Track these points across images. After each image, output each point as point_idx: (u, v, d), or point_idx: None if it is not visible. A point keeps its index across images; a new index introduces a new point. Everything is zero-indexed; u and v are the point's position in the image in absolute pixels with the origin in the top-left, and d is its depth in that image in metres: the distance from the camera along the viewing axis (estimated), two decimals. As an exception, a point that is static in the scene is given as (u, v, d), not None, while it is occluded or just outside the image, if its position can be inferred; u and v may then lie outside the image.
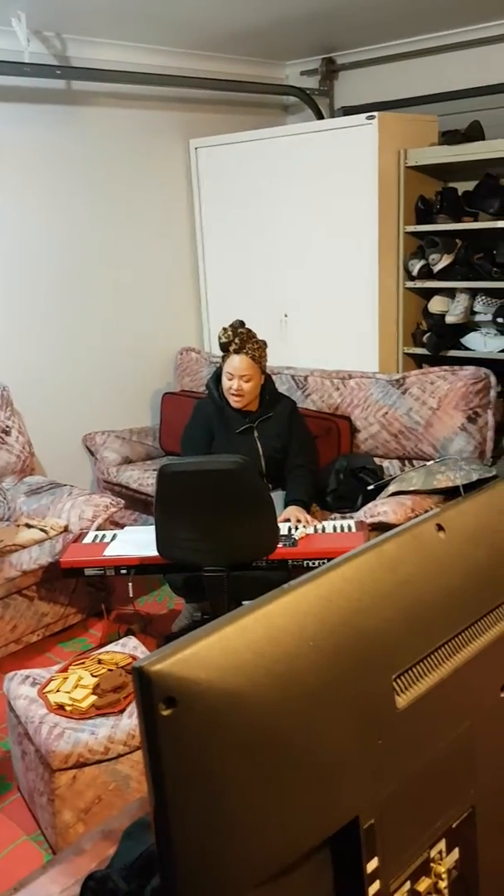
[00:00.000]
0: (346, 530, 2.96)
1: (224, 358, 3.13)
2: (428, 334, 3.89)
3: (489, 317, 3.71)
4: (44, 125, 3.80)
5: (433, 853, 0.58)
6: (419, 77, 4.15)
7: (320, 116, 4.47)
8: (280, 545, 2.65)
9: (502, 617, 0.65)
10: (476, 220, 3.68)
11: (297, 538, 2.85)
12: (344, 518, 3.21)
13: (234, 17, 3.56)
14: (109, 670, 2.15)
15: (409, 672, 0.56)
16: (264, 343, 3.14)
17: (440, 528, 0.64)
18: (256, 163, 4.13)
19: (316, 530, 2.95)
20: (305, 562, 2.74)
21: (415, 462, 3.63)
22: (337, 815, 0.51)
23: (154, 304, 4.43)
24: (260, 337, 3.18)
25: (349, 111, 4.30)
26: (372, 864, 0.52)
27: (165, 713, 0.43)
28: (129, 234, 4.25)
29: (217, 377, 3.21)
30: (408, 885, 0.55)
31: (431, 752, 0.57)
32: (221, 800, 0.46)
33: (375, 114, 3.60)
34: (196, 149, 4.36)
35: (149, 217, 4.32)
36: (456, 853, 0.59)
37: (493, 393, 3.41)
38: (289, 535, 2.85)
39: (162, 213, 4.39)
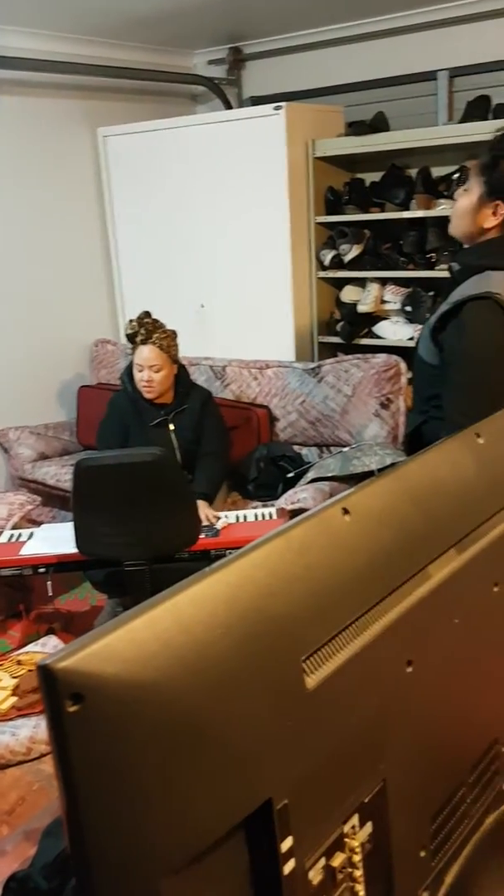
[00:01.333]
0: (267, 518, 2.99)
1: (133, 349, 3.11)
2: (341, 323, 3.96)
3: (398, 305, 3.80)
4: None
5: (346, 828, 0.59)
6: (325, 68, 4.20)
7: (229, 106, 4.47)
8: (202, 535, 2.65)
9: (407, 594, 0.67)
10: (383, 211, 3.76)
11: (219, 528, 2.86)
12: (265, 506, 3.25)
13: (138, 4, 3.52)
14: (29, 671, 2.11)
15: (318, 653, 0.57)
16: (173, 333, 3.14)
17: (346, 511, 0.65)
18: (166, 152, 4.10)
19: (238, 519, 2.97)
20: (227, 551, 2.76)
21: (332, 449, 3.69)
22: (250, 798, 0.51)
23: (67, 296, 4.35)
24: (170, 327, 3.17)
25: (257, 101, 4.32)
26: (286, 844, 0.53)
27: (72, 710, 0.43)
28: (39, 224, 4.15)
29: (130, 370, 3.18)
30: (323, 861, 0.57)
31: (342, 730, 0.59)
32: (133, 792, 0.46)
33: (283, 104, 3.63)
34: (104, 137, 4.30)
35: (58, 207, 4.24)
36: (369, 826, 0.61)
37: (403, 379, 3.50)
38: (211, 526, 2.86)
39: (71, 203, 4.31)
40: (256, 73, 4.58)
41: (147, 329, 3.07)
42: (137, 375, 3.11)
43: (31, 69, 3.84)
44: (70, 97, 4.20)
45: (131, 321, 3.11)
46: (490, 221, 1.69)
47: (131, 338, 3.09)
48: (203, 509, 2.99)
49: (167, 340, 3.10)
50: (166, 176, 4.13)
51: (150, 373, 3.07)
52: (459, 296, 1.66)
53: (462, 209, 1.73)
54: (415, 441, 1.88)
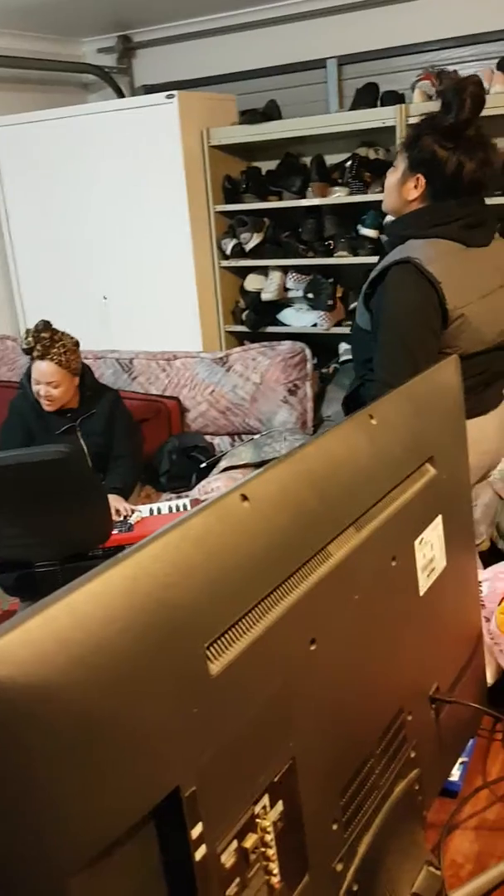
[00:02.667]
0: (181, 510, 2.99)
1: (31, 361, 3.01)
2: (246, 312, 3.98)
3: (300, 293, 3.85)
4: None
5: (257, 809, 0.60)
6: (217, 55, 4.19)
7: (121, 95, 4.40)
8: (115, 531, 2.62)
9: (308, 574, 0.68)
10: (280, 199, 3.79)
11: (132, 522, 2.84)
12: (179, 497, 3.24)
13: (20, -10, 3.41)
14: None
15: (221, 639, 0.58)
16: (74, 344, 2.97)
17: (245, 497, 0.66)
18: (60, 142, 4.01)
19: (151, 512, 2.96)
20: (141, 546, 2.74)
21: (244, 437, 3.71)
22: (157, 788, 0.52)
23: (-39, 294, 4.20)
24: (74, 329, 3.07)
25: (150, 89, 4.28)
26: (196, 830, 0.54)
27: (-35, 715, 0.42)
28: None
29: (30, 375, 3.09)
30: (235, 843, 0.58)
31: (248, 713, 0.59)
32: (35, 793, 0.45)
33: (175, 93, 3.60)
34: (-7, 128, 4.16)
35: None
36: (280, 805, 0.62)
37: (309, 365, 3.55)
38: (124, 521, 2.83)
39: (-39, 197, 4.15)
40: (148, 62, 4.53)
41: (44, 344, 2.92)
42: (35, 388, 3.00)
43: None
44: (-46, 86, 4.05)
45: (28, 332, 2.98)
46: (412, 194, 1.84)
47: (27, 352, 2.98)
48: (118, 503, 2.96)
49: (66, 355, 2.95)
50: (61, 166, 4.04)
51: (48, 389, 2.96)
52: (385, 262, 1.79)
53: (390, 185, 1.89)
54: (352, 403, 1.99)
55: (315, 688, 0.67)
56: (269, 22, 4.03)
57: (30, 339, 2.96)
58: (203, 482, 3.26)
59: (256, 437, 3.44)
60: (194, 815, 0.53)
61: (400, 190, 1.85)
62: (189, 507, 3.00)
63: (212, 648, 0.57)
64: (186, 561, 0.59)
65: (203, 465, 3.47)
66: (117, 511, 2.93)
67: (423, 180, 1.81)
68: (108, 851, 0.49)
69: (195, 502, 3.04)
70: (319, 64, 3.93)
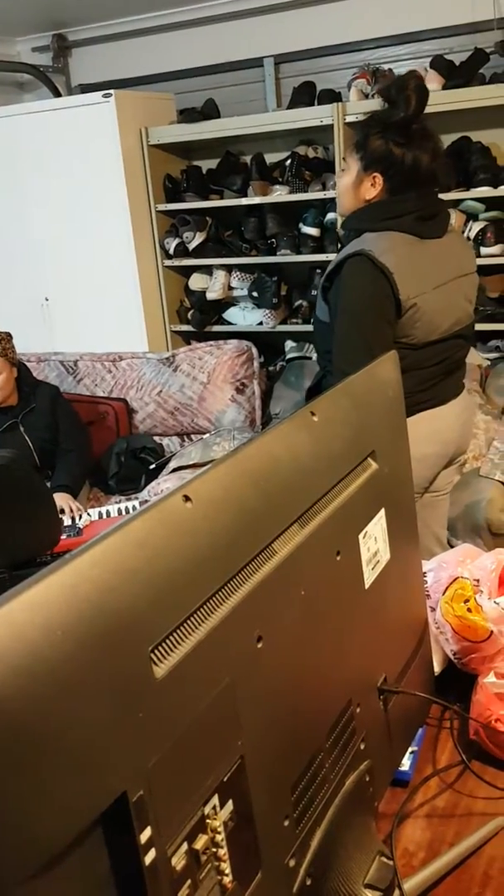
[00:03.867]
0: (131, 512, 2.96)
1: None
2: (192, 311, 3.97)
3: (245, 291, 3.85)
4: None
5: (207, 809, 0.60)
6: (154, 54, 4.17)
7: (57, 94, 4.35)
8: (64, 536, 2.59)
9: (252, 573, 0.68)
10: (222, 198, 3.79)
11: (81, 527, 2.81)
12: (128, 500, 3.22)
13: None
14: None
15: (165, 642, 0.58)
16: (8, 335, 3.06)
17: (187, 498, 0.66)
18: (-5, 142, 3.93)
19: (101, 515, 2.93)
20: (92, 550, 2.71)
21: (193, 437, 3.70)
22: (104, 795, 0.51)
23: None
24: (12, 323, 3.07)
25: (86, 89, 4.23)
26: (145, 834, 0.53)
27: None
28: None
29: None
30: (185, 845, 0.57)
31: (195, 713, 0.59)
32: (-24, 807, 0.44)
33: (112, 92, 3.57)
34: None
35: None
36: (230, 805, 0.62)
37: (256, 364, 3.56)
38: (73, 525, 2.80)
39: None
40: (84, 61, 4.48)
41: None
42: None
43: None
44: None
45: None
46: (371, 193, 1.87)
47: None
48: (67, 501, 2.93)
49: (2, 343, 3.01)
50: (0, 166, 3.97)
51: None
52: (341, 256, 1.83)
53: (343, 187, 1.91)
54: (316, 394, 2.00)
55: (262, 685, 0.67)
56: (206, 20, 4.02)
57: None
58: (153, 483, 3.24)
59: (205, 436, 3.43)
60: (142, 819, 0.53)
61: (356, 191, 1.88)
62: (139, 510, 2.98)
63: (156, 651, 0.57)
64: (128, 565, 0.58)
65: (152, 466, 3.45)
66: (63, 510, 2.90)
67: (380, 178, 1.84)
68: (56, 860, 0.48)
69: (145, 504, 3.02)
70: (257, 63, 3.93)
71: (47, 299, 4.10)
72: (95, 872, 0.52)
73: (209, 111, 3.75)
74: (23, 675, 0.47)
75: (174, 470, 3.30)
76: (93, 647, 0.52)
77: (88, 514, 2.91)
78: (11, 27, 4.33)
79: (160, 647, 0.57)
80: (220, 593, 0.65)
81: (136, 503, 3.04)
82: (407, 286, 1.77)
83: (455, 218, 3.28)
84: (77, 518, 2.85)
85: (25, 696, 0.47)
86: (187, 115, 3.72)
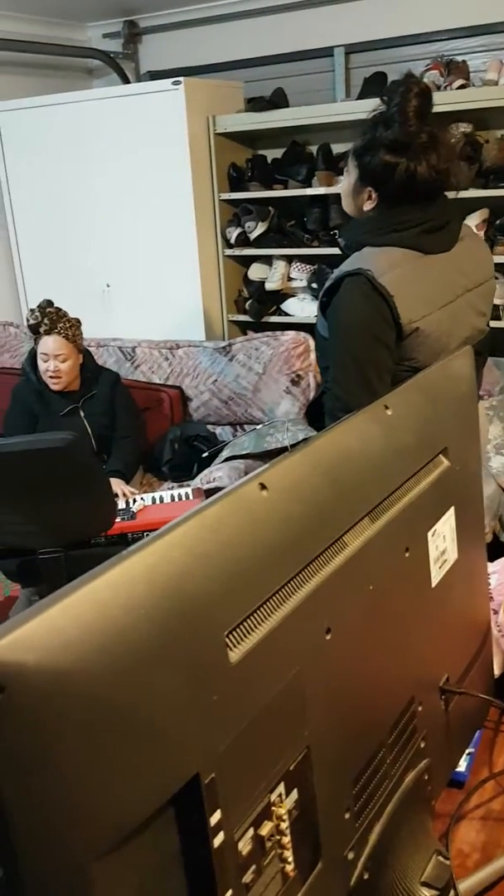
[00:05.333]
0: (183, 498, 2.99)
1: (36, 340, 3.04)
2: (249, 301, 3.96)
3: (305, 282, 3.83)
4: None
5: (273, 797, 0.60)
6: (223, 42, 4.16)
7: (126, 81, 4.38)
8: (118, 519, 2.62)
9: (323, 565, 0.68)
10: (286, 188, 3.77)
11: (135, 511, 2.84)
12: (180, 486, 3.24)
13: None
14: None
15: (240, 627, 0.58)
16: (77, 321, 3.10)
17: (263, 486, 0.66)
18: (64, 128, 3.99)
19: (154, 501, 2.96)
20: (144, 534, 2.73)
21: (245, 427, 3.71)
22: (177, 776, 0.52)
23: (-36, 279, 4.18)
24: (75, 308, 3.12)
25: (155, 76, 4.25)
26: (215, 817, 0.54)
27: (-8, 700, 0.42)
28: None
29: (33, 359, 3.12)
30: (251, 831, 0.58)
31: (265, 701, 0.60)
32: (59, 779, 0.45)
33: (181, 79, 3.58)
34: (-3, 112, 4.13)
35: (-50, 186, 4.06)
36: (295, 794, 0.63)
37: (312, 356, 3.54)
38: (127, 509, 2.84)
39: (-36, 182, 4.13)
40: (154, 47, 4.50)
41: (51, 319, 3.01)
42: (42, 366, 3.04)
43: None
44: (-42, 70, 4.03)
45: (33, 311, 3.03)
46: (368, 205, 1.76)
47: (34, 328, 3.02)
48: (120, 486, 2.97)
49: (72, 329, 3.05)
50: (64, 152, 4.02)
51: (57, 363, 3.02)
52: (339, 272, 1.72)
53: (344, 191, 1.81)
54: (315, 410, 1.95)
55: (330, 677, 0.67)
56: (278, 9, 3.99)
57: (36, 314, 3.00)
58: (205, 472, 3.26)
59: (259, 427, 3.43)
60: (213, 802, 0.54)
61: (354, 198, 1.78)
62: (191, 497, 3.00)
63: (231, 636, 0.57)
64: (205, 549, 0.59)
65: (205, 454, 3.47)
66: (118, 494, 2.94)
67: (374, 193, 1.73)
68: (129, 838, 0.49)
69: (197, 492, 3.04)
70: (327, 52, 3.90)
71: (108, 285, 4.14)
72: (165, 852, 0.53)
73: (277, 100, 3.73)
74: (107, 653, 0.48)
75: (227, 459, 3.31)
76: (172, 628, 0.53)
77: (142, 498, 2.94)
78: (83, 13, 4.37)
79: (235, 633, 0.58)
80: (291, 583, 0.65)
81: (189, 490, 3.06)
82: (409, 309, 1.65)
83: (479, 218, 3.20)
84: (131, 502, 2.89)
85: (109, 674, 0.48)
86: (255, 104, 3.71)
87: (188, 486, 3.19)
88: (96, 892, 0.47)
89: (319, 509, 0.70)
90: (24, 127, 4.10)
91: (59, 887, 0.45)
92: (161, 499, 2.98)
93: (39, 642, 0.45)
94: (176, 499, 2.98)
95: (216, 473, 3.17)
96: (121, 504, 2.84)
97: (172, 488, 3.25)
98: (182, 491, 3.06)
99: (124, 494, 2.95)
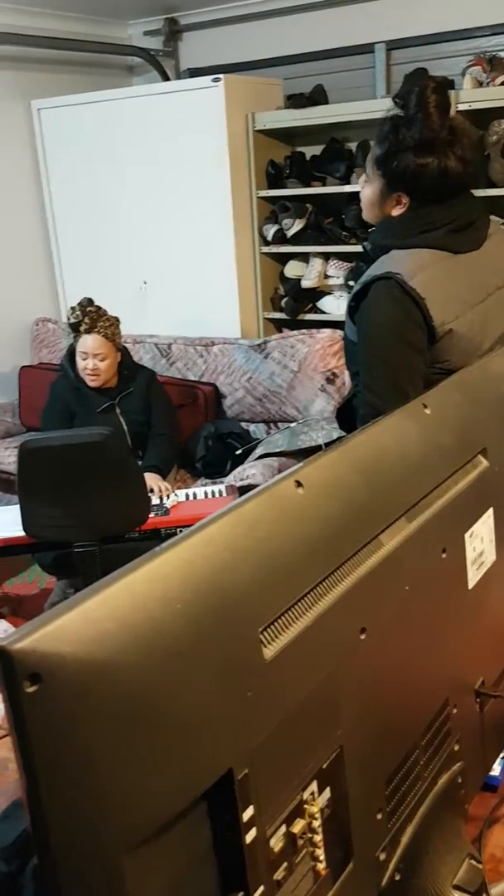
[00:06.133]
0: (216, 495, 3.00)
1: (76, 338, 3.07)
2: (285, 299, 3.95)
3: (341, 280, 3.81)
4: None
5: (306, 795, 0.60)
6: (263, 39, 4.15)
7: (166, 78, 4.39)
8: (152, 515, 2.64)
9: (358, 564, 0.68)
10: (324, 185, 3.75)
11: (168, 506, 2.85)
12: (214, 483, 3.25)
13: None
14: (-20, 657, 2.08)
15: (275, 624, 0.58)
16: (116, 319, 3.12)
17: (299, 484, 0.66)
18: (104, 125, 4.01)
19: (187, 497, 2.97)
20: (178, 529, 2.75)
21: (279, 424, 3.71)
22: (210, 771, 0.52)
23: (5, 275, 4.24)
24: (113, 312, 3.14)
25: (195, 73, 4.25)
26: (247, 813, 0.54)
27: (30, 690, 0.42)
28: (-28, 201, 4.03)
29: (71, 356, 3.15)
30: (283, 828, 0.58)
31: (299, 698, 0.59)
32: (93, 770, 0.46)
33: (221, 76, 3.58)
34: (39, 110, 4.18)
35: (-9, 182, 4.11)
36: (327, 792, 0.62)
37: (349, 354, 3.52)
38: (160, 504, 2.85)
39: (6, 178, 4.19)
40: (194, 45, 4.51)
41: (91, 317, 3.03)
42: (81, 364, 3.07)
43: (-42, 38, 3.70)
44: (2, 69, 4.07)
45: (73, 309, 3.06)
46: (396, 210, 1.72)
47: (75, 327, 3.05)
48: (156, 482, 2.99)
49: (111, 328, 3.07)
50: (104, 149, 4.05)
51: (96, 361, 3.05)
52: (367, 276, 1.70)
53: (367, 199, 1.76)
54: (345, 414, 1.94)
55: (364, 677, 0.67)
56: (318, 6, 3.97)
57: (77, 312, 3.03)
58: (238, 469, 3.26)
59: (293, 425, 3.43)
60: (245, 798, 0.54)
61: (380, 206, 1.72)
62: (224, 493, 3.00)
63: (266, 633, 0.57)
64: (241, 545, 0.59)
65: (239, 451, 3.48)
66: (153, 490, 2.96)
67: (405, 198, 1.68)
68: (162, 831, 0.49)
69: (230, 488, 3.05)
70: (368, 49, 3.87)
71: (145, 282, 4.16)
72: (196, 847, 0.53)
73: (317, 97, 3.71)
74: (143, 646, 0.48)
75: (260, 457, 3.31)
76: (207, 623, 0.53)
77: (176, 494, 2.96)
78: (125, 11, 4.39)
79: (269, 629, 0.58)
80: (326, 581, 0.65)
81: (222, 487, 3.07)
82: (441, 311, 1.62)
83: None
84: (165, 498, 2.91)
85: (144, 667, 0.48)
86: (295, 101, 3.70)
87: (221, 482, 3.20)
88: (128, 883, 0.47)
89: (355, 508, 0.70)
90: (65, 124, 4.14)
91: (92, 878, 0.46)
92: (195, 495, 2.99)
93: (76, 634, 0.46)
94: (209, 495, 2.99)
95: (249, 471, 3.17)
96: (155, 500, 2.86)
97: (206, 485, 3.26)
98: (215, 488, 3.07)
99: (159, 490, 2.97)
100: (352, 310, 1.75)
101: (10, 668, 0.42)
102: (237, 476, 3.18)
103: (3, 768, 1.93)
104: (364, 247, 1.83)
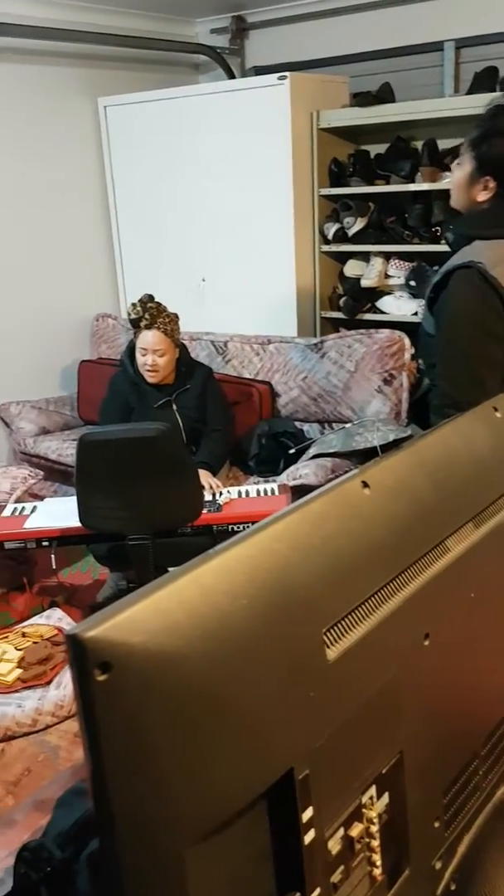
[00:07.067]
0: (269, 494, 2.99)
1: (136, 333, 3.10)
2: (344, 298, 3.93)
3: (402, 280, 3.77)
4: None
5: (364, 799, 0.59)
6: (330, 37, 4.13)
7: (231, 76, 4.40)
8: (204, 511, 2.65)
9: (424, 569, 0.66)
10: (388, 183, 3.71)
11: (221, 503, 2.86)
12: (266, 482, 3.25)
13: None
14: (34, 643, 2.12)
15: (339, 625, 0.57)
16: (176, 316, 3.13)
17: (365, 484, 0.65)
18: (168, 122, 4.04)
19: (240, 494, 2.97)
20: (230, 526, 2.76)
21: (334, 425, 3.68)
22: (272, 769, 0.52)
23: (67, 269, 4.31)
24: (172, 309, 3.15)
25: (261, 71, 4.25)
26: (307, 814, 0.53)
27: (101, 678, 0.43)
28: (39, 196, 4.11)
29: (131, 351, 3.18)
30: (341, 831, 0.57)
31: (361, 702, 0.59)
32: (158, 761, 0.46)
33: (287, 74, 3.57)
34: (105, 107, 4.24)
35: (58, 178, 4.19)
36: (386, 798, 0.62)
37: (407, 355, 3.48)
38: (213, 501, 2.86)
39: (71, 174, 4.25)
40: (260, 43, 4.51)
41: (151, 313, 3.06)
42: (140, 360, 3.10)
43: (30, 36, 3.77)
44: (70, 66, 4.14)
45: (134, 305, 3.09)
46: (482, 195, 1.73)
47: (135, 322, 3.08)
48: (206, 478, 3.00)
49: (171, 325, 3.09)
50: (168, 147, 4.08)
51: (155, 357, 3.07)
52: (448, 266, 1.70)
53: (457, 182, 1.78)
54: (420, 408, 1.93)
55: (426, 683, 0.66)
56: (386, 3, 3.93)
57: (138, 308, 3.06)
58: (292, 468, 3.25)
59: (348, 425, 3.40)
60: (306, 798, 0.53)
61: (468, 190, 1.75)
62: (277, 493, 3.00)
63: (329, 633, 0.57)
64: (306, 543, 0.58)
65: (292, 451, 3.46)
66: (204, 486, 2.97)
67: (492, 183, 1.70)
68: (223, 828, 0.49)
69: (283, 488, 3.04)
70: (436, 47, 3.81)
71: (204, 280, 4.19)
72: (255, 845, 0.53)
73: (384, 95, 3.68)
74: (210, 639, 0.48)
75: (314, 457, 3.29)
76: (273, 620, 0.53)
77: (228, 491, 2.97)
78: (192, 9, 4.42)
79: (333, 630, 0.57)
80: (391, 584, 0.64)
81: (275, 486, 3.07)
82: None
83: None
84: (217, 495, 2.92)
85: (211, 661, 0.48)
86: (361, 99, 3.67)
87: (274, 481, 3.20)
88: (189, 878, 0.47)
89: (422, 511, 0.68)
90: (130, 122, 4.19)
91: (155, 868, 0.46)
92: (247, 493, 2.99)
93: (146, 624, 0.46)
94: (262, 494, 2.99)
95: (303, 471, 3.16)
96: (207, 496, 2.87)
97: (258, 483, 3.26)
98: (268, 486, 3.07)
99: (210, 486, 2.98)
100: (431, 301, 1.77)
101: (82, 656, 0.43)
102: (290, 475, 3.17)
103: (53, 756, 1.97)
104: (446, 238, 1.84)
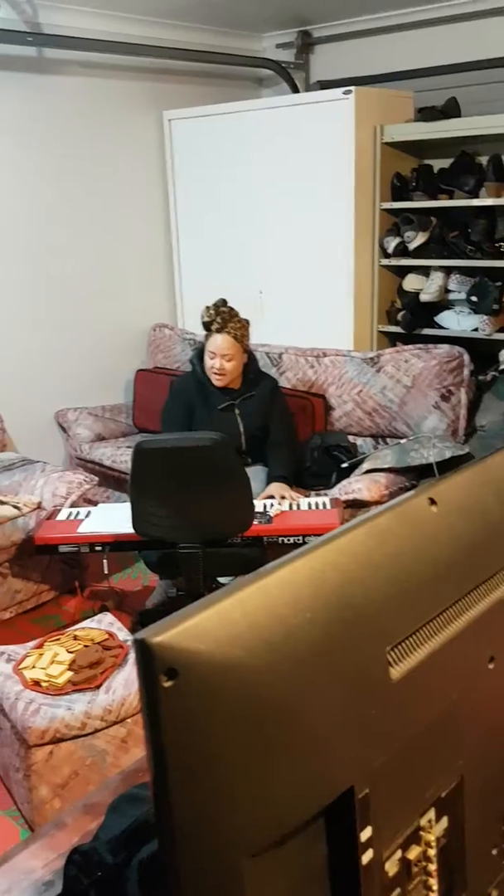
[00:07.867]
0: (320, 507, 2.98)
1: (206, 337, 3.12)
2: (402, 312, 3.90)
3: (463, 295, 3.73)
4: (12, 94, 3.72)
5: (423, 822, 0.58)
6: (396, 52, 4.12)
7: (295, 90, 4.43)
8: (255, 522, 2.65)
9: (491, 591, 0.65)
10: (451, 198, 3.68)
11: (272, 515, 2.86)
12: (318, 495, 3.23)
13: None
14: (85, 646, 2.14)
15: (403, 644, 0.57)
16: (247, 322, 3.14)
17: (433, 501, 0.64)
18: (231, 136, 4.08)
19: (291, 507, 2.97)
20: (280, 538, 2.75)
21: (388, 440, 3.65)
22: (332, 786, 0.51)
23: (127, 280, 4.38)
24: (242, 316, 3.17)
25: (325, 85, 4.26)
26: (366, 834, 0.53)
27: (167, 684, 0.43)
28: (102, 207, 4.19)
29: (201, 354, 3.20)
30: (399, 853, 0.56)
31: (422, 723, 0.58)
32: (220, 770, 0.46)
33: (352, 88, 3.58)
34: (170, 121, 4.30)
35: (121, 190, 4.26)
36: (445, 822, 0.60)
37: (466, 371, 3.43)
38: (264, 513, 2.86)
39: (134, 187, 4.32)
40: (325, 57, 4.53)
41: (223, 318, 3.08)
42: (209, 362, 3.12)
43: (101, 50, 3.86)
44: (136, 79, 4.22)
45: (208, 308, 3.12)
46: None
47: (207, 325, 3.10)
48: (285, 490, 3.01)
49: (241, 330, 3.10)
50: (231, 160, 4.12)
51: (223, 361, 3.08)
52: None
53: None
54: None
55: (489, 707, 0.64)
56: (452, 19, 3.91)
57: (211, 311, 3.08)
58: (344, 482, 3.23)
59: (403, 441, 3.37)
60: (365, 817, 0.52)
61: None
62: (328, 506, 2.98)
63: (393, 652, 0.56)
64: (371, 559, 0.58)
65: (345, 465, 3.44)
66: (283, 497, 2.98)
67: None
68: (282, 841, 0.49)
69: (335, 502, 3.02)
70: (503, 62, 3.78)
71: (261, 292, 4.20)
72: (313, 861, 0.52)
73: (450, 110, 3.65)
74: (274, 650, 0.48)
75: (367, 472, 3.27)
76: (336, 635, 0.52)
77: (279, 504, 2.96)
78: (259, 23, 4.46)
79: (397, 649, 0.56)
80: (457, 605, 0.63)
81: (327, 500, 3.05)
82: None
83: None
84: (268, 506, 2.92)
85: (274, 672, 0.48)
86: (426, 114, 3.65)
87: (325, 495, 3.18)
88: (248, 888, 0.47)
89: (490, 530, 0.67)
90: (194, 135, 4.25)
91: (214, 877, 0.46)
92: (298, 506, 2.98)
93: (212, 632, 0.46)
94: (313, 507, 2.98)
95: (355, 485, 3.13)
96: (259, 507, 2.88)
97: (309, 496, 3.25)
98: (320, 500, 3.05)
99: (290, 498, 2.98)
100: None
101: (149, 662, 0.43)
102: (342, 489, 3.15)
103: (101, 760, 1.98)
104: None
